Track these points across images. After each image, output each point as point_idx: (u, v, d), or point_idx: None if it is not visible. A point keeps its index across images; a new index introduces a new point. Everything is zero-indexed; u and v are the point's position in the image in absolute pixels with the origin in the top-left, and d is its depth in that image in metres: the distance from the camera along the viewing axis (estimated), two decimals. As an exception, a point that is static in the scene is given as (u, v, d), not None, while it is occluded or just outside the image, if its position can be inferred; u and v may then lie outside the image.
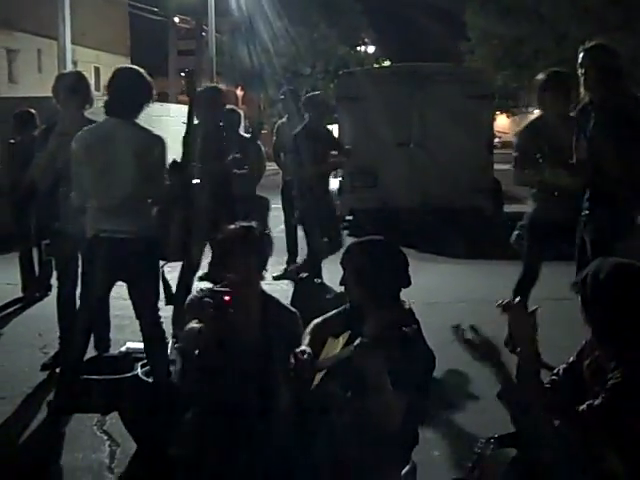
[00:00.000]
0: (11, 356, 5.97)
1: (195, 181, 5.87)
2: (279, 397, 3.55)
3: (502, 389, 4.74)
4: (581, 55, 5.15)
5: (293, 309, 3.81)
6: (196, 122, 5.97)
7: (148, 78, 4.95)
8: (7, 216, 8.12)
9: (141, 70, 4.98)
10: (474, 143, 12.01)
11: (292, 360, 3.50)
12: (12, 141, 7.92)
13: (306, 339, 3.70)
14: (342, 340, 3.52)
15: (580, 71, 5.13)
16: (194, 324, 3.57)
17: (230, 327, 3.65)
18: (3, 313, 7.64)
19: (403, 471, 3.47)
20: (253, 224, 3.83)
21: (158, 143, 4.81)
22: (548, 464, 2.56)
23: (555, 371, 2.90)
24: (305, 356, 3.47)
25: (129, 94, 4.82)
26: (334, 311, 3.82)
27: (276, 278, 9.02)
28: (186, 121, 5.34)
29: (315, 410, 3.50)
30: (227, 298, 3.53)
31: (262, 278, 3.81)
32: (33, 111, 7.88)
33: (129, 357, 5.57)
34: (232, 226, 3.79)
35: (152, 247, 4.70)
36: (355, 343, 3.39)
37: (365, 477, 3.29)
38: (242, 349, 3.65)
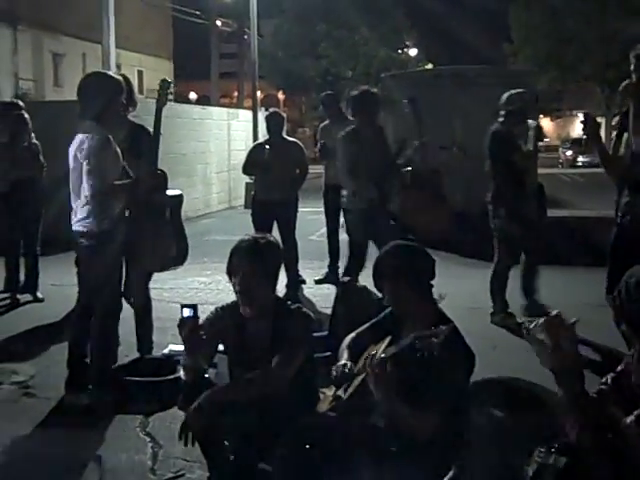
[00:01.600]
0: (56, 357, 6.04)
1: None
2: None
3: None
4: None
5: (306, 312, 3.79)
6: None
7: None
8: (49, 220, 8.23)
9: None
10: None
11: (332, 372, 3.59)
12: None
13: (344, 354, 3.72)
14: (383, 346, 3.52)
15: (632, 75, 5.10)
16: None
17: (242, 336, 3.71)
18: (48, 314, 7.75)
19: (447, 477, 3.46)
20: (266, 235, 3.84)
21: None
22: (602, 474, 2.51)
23: (603, 380, 2.84)
24: (346, 370, 3.52)
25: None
26: (370, 322, 3.85)
27: (318, 282, 9.03)
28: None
29: (353, 417, 3.51)
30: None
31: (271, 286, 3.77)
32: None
33: (171, 359, 5.63)
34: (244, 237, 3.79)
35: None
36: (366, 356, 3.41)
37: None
38: (255, 355, 3.67)
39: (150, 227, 5.69)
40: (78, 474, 4.23)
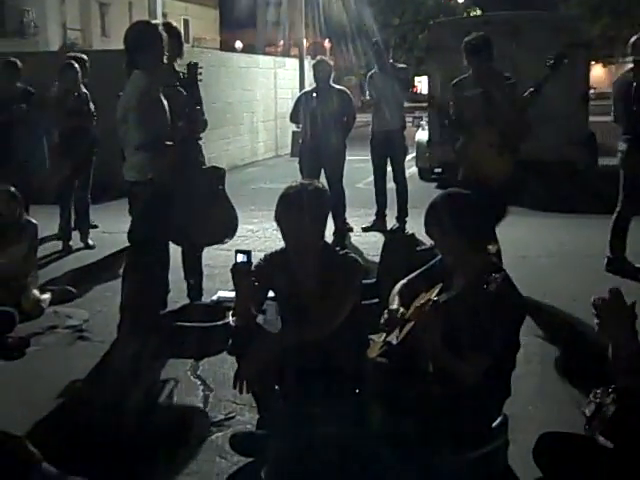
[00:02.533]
0: (108, 302, 6.16)
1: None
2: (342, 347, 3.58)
3: None
4: None
5: (354, 257, 3.80)
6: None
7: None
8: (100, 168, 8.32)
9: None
10: (569, 94, 11.66)
11: (384, 318, 3.59)
12: (120, 94, 8.12)
13: (395, 300, 3.73)
14: (434, 293, 3.52)
15: None
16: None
17: (292, 282, 3.73)
18: (100, 261, 7.89)
19: (494, 424, 3.48)
20: (314, 181, 3.84)
21: None
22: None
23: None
24: (397, 315, 3.53)
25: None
26: (421, 269, 3.84)
27: (365, 230, 9.04)
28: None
29: (402, 363, 3.53)
30: None
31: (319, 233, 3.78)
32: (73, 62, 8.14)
33: (221, 305, 5.71)
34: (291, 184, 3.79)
35: None
36: (419, 302, 3.41)
37: (453, 428, 3.30)
38: (304, 301, 3.69)
39: (201, 202, 5.72)
40: (131, 416, 4.29)
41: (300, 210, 3.60)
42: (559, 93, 11.41)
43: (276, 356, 3.54)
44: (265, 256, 3.88)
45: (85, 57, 8.75)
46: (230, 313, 5.13)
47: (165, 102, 5.20)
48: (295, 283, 3.75)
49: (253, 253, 3.55)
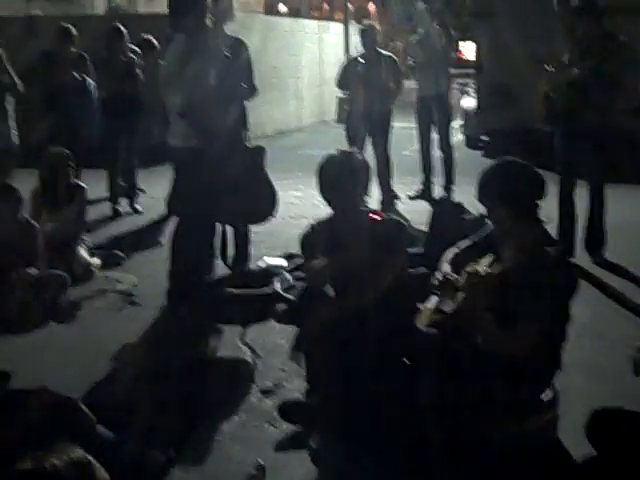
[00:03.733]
0: (156, 267, 6.20)
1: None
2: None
3: None
4: None
5: (400, 221, 3.81)
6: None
7: None
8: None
9: None
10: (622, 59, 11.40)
11: (437, 280, 3.56)
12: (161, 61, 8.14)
13: (446, 267, 3.70)
14: (486, 263, 3.49)
15: None
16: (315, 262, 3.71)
17: (340, 248, 3.75)
18: (148, 227, 7.97)
19: (544, 397, 3.46)
20: (353, 150, 3.89)
21: None
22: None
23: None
24: (450, 278, 3.51)
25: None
26: (471, 239, 3.80)
27: (412, 198, 8.99)
28: None
29: (453, 334, 3.52)
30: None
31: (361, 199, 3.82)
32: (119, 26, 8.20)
33: (267, 272, 5.74)
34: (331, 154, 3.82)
35: None
36: (470, 272, 3.38)
37: (502, 401, 3.29)
38: (353, 266, 3.70)
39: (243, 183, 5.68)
40: (179, 381, 4.36)
41: (341, 178, 3.64)
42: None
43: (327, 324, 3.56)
44: (312, 225, 3.91)
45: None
46: (275, 279, 5.20)
47: (209, 67, 5.16)
48: (341, 249, 3.75)
49: (299, 220, 3.60)
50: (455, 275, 3.54)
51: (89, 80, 8.25)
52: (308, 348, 3.59)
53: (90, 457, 2.04)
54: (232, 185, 5.44)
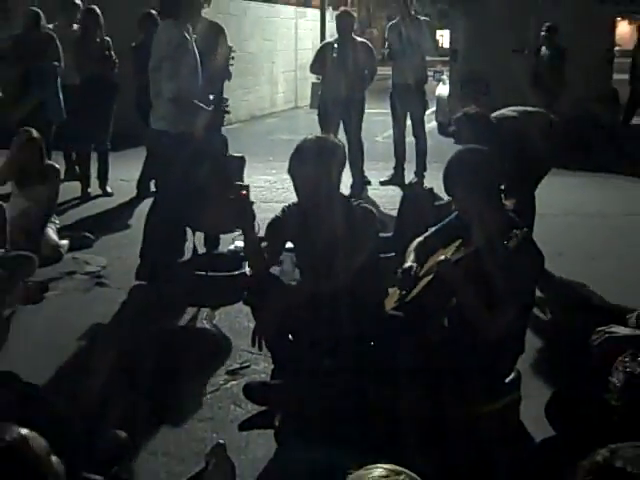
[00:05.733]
0: (126, 249, 6.20)
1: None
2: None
3: None
4: None
5: (370, 208, 3.81)
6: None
7: None
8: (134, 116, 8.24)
9: None
10: (593, 50, 11.52)
11: (398, 275, 3.62)
12: (133, 44, 8.05)
13: (411, 256, 3.74)
14: (453, 249, 3.53)
15: None
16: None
17: (308, 233, 3.75)
18: (117, 209, 7.92)
19: (507, 379, 3.50)
20: (329, 135, 3.88)
21: None
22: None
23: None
24: (412, 272, 3.58)
25: None
26: (438, 226, 3.84)
27: (383, 183, 9.03)
28: None
29: (415, 318, 3.55)
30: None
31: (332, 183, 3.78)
32: (153, 12, 7.93)
33: (237, 255, 5.73)
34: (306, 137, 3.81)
35: None
36: (439, 259, 3.42)
37: (466, 382, 3.33)
38: (321, 251, 3.71)
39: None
40: (145, 360, 4.35)
41: (314, 163, 3.62)
42: (584, 49, 11.31)
43: (292, 307, 3.57)
44: (283, 208, 3.90)
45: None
46: (246, 263, 5.19)
47: (198, 53, 5.16)
48: (311, 234, 3.76)
49: (269, 204, 3.59)
50: (416, 265, 3.60)
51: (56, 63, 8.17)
52: (267, 331, 3.59)
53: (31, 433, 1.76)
54: (202, 191, 5.39)
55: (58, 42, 8.05)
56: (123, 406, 3.72)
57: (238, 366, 4.29)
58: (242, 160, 6.02)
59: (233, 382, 4.10)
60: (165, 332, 4.80)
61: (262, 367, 4.22)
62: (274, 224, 3.80)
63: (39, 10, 8.21)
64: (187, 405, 3.88)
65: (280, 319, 3.53)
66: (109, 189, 8.49)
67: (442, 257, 3.48)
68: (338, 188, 3.79)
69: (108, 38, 8.33)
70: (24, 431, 1.74)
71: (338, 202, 3.75)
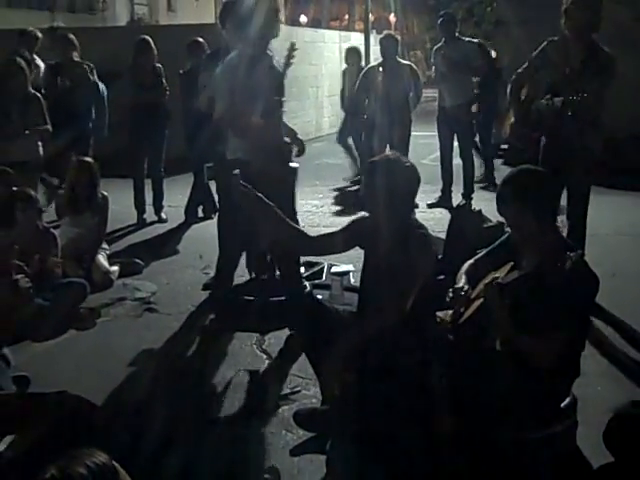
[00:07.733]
0: (175, 275, 6.24)
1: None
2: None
3: None
4: None
5: (427, 233, 3.74)
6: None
7: None
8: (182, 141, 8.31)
9: None
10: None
11: (449, 296, 3.59)
12: (181, 71, 8.14)
13: (462, 279, 3.69)
14: (505, 271, 3.48)
15: None
16: None
17: (374, 249, 3.71)
18: (166, 235, 7.98)
19: (563, 404, 3.43)
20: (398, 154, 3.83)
21: None
22: None
23: None
24: (463, 293, 3.55)
25: None
26: (489, 248, 3.80)
27: (430, 206, 8.97)
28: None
29: (468, 341, 3.51)
30: None
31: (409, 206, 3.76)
32: (201, 40, 8.02)
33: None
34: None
35: None
36: (486, 282, 3.37)
37: (521, 408, 3.27)
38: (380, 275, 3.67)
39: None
40: (197, 387, 4.40)
41: (386, 182, 3.59)
42: (632, 66, 11.15)
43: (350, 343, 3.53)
44: (363, 217, 3.87)
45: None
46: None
47: (256, 79, 5.04)
48: (375, 251, 3.72)
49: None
50: (468, 286, 3.56)
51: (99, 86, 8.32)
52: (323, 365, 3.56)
53: (114, 462, 1.98)
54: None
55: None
56: (173, 431, 3.74)
57: (289, 391, 4.28)
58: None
59: (284, 407, 4.09)
60: (215, 357, 4.80)
61: (313, 392, 4.20)
62: (355, 223, 3.81)
63: (72, 35, 8.48)
64: (238, 430, 3.87)
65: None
66: (164, 215, 8.56)
67: (492, 279, 3.43)
68: (412, 210, 3.79)
69: (160, 65, 8.44)
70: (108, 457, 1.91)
71: (405, 225, 3.69)
